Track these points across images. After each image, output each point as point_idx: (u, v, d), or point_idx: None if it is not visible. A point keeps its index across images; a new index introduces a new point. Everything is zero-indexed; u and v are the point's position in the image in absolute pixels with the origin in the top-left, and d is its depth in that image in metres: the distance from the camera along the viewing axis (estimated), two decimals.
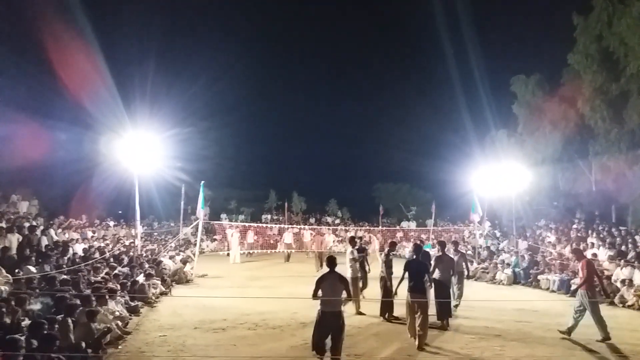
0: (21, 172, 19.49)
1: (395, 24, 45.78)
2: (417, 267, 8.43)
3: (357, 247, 11.89)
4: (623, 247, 15.48)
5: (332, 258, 7.17)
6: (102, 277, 10.83)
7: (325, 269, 7.10)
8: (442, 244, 10.50)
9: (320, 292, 6.78)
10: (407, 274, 8.44)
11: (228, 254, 22.44)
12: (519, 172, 19.60)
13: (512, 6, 33.38)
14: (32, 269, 10.39)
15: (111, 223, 24.38)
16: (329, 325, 6.69)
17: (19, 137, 18.91)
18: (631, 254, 14.38)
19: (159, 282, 12.69)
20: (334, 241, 24.68)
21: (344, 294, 6.87)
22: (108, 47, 23.19)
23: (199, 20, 40.78)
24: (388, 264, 10.40)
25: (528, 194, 22.87)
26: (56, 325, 6.78)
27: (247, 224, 26.36)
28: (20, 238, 12.73)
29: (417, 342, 7.96)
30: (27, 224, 14.59)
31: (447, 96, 34.55)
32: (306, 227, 27.37)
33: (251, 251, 24.12)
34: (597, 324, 8.44)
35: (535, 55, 26.18)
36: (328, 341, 6.72)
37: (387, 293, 10.05)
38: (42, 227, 15.23)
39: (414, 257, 8.81)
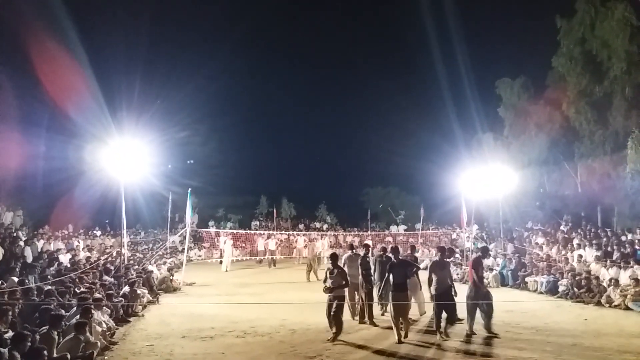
0: (5, 181, 19.18)
1: (382, 28, 46.22)
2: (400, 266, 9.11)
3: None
4: (609, 248, 15.62)
5: (444, 249, 9.61)
6: (88, 287, 10.66)
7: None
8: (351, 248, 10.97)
9: (434, 276, 8.73)
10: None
11: (221, 262, 22.16)
12: (506, 175, 19.74)
13: (497, 10, 33.76)
14: (16, 279, 10.22)
15: (98, 232, 24.10)
16: (444, 300, 8.58)
17: (1, 146, 18.56)
18: (617, 255, 14.53)
19: (146, 291, 12.55)
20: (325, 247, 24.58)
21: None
22: (93, 52, 22.87)
23: (187, 28, 40.57)
24: (365, 266, 10.29)
25: (514, 197, 23.02)
26: (37, 337, 6.62)
27: (248, 231, 26.46)
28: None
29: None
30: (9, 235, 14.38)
31: (434, 99, 34.82)
32: (299, 233, 27.38)
33: (248, 258, 24.44)
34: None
35: (520, 59, 26.43)
36: None
37: (370, 296, 10.13)
38: (25, 238, 14.99)
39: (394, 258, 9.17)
